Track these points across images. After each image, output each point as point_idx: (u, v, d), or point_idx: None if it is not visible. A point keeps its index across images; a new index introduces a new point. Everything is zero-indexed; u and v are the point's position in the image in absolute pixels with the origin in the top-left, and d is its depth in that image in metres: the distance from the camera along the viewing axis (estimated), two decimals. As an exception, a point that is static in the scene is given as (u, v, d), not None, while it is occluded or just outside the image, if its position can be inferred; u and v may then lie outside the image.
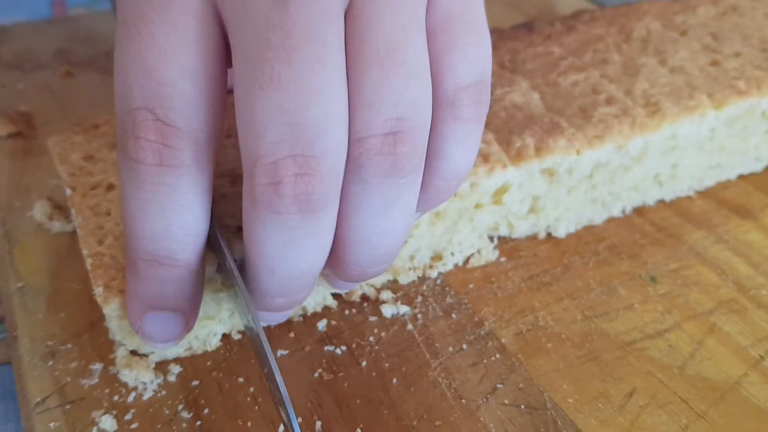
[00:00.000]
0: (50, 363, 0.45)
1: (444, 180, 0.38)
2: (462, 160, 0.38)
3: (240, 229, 0.43)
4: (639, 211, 0.59)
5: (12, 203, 0.58)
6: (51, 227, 0.55)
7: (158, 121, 0.34)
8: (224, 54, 0.35)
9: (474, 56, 0.37)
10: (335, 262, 0.39)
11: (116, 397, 0.43)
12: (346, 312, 0.49)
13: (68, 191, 0.47)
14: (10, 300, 0.50)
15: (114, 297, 0.41)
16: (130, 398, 0.43)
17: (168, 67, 0.33)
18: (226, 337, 0.47)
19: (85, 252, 0.43)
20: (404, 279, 0.51)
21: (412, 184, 0.36)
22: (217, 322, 0.46)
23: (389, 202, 0.36)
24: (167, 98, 0.34)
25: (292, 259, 0.36)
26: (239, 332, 0.47)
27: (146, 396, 0.43)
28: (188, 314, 0.40)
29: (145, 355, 0.45)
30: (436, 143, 0.37)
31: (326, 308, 0.49)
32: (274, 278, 0.37)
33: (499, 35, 0.65)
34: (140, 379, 0.43)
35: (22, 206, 0.58)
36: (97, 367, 0.45)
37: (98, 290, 0.41)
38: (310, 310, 0.49)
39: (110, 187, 0.47)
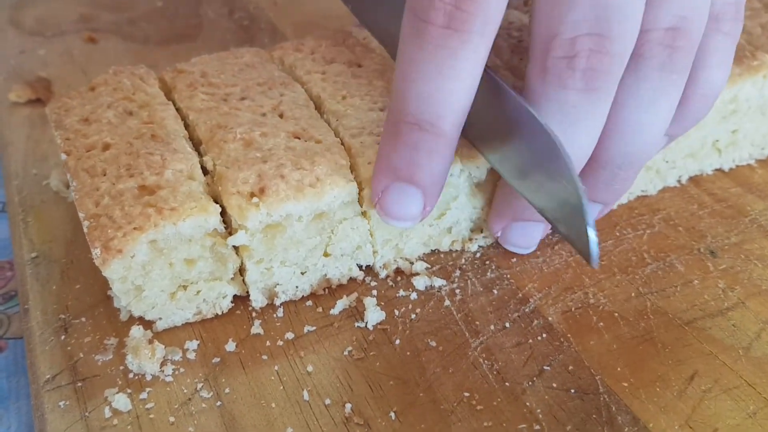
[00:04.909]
0: (62, 337, 0.42)
1: (701, 93, 0.41)
2: (719, 74, 0.42)
3: (252, 194, 0.40)
4: (695, 180, 0.54)
5: (28, 171, 0.56)
6: (68, 195, 0.53)
7: None
8: None
9: None
10: (589, 163, 0.41)
11: (131, 375, 0.40)
12: (376, 285, 0.46)
13: (63, 156, 0.44)
14: (23, 270, 0.47)
15: (113, 258, 0.38)
16: (147, 376, 0.40)
17: None
18: (240, 300, 0.45)
19: (81, 215, 0.40)
20: (444, 244, 0.48)
21: (678, 83, 0.39)
22: (224, 283, 0.43)
23: (656, 96, 0.39)
24: None
25: (567, 139, 0.37)
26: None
27: (163, 374, 0.40)
28: (429, 194, 0.40)
29: (152, 322, 0.43)
30: (699, 54, 0.40)
31: (353, 281, 0.46)
32: None
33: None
34: (143, 368, 0.40)
35: (39, 174, 0.55)
36: (112, 341, 0.42)
37: (96, 252, 0.38)
38: (335, 282, 0.45)
39: (106, 147, 0.44)
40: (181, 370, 0.41)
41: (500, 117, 0.39)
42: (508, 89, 0.39)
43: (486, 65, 0.38)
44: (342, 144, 0.44)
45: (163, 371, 0.40)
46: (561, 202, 0.37)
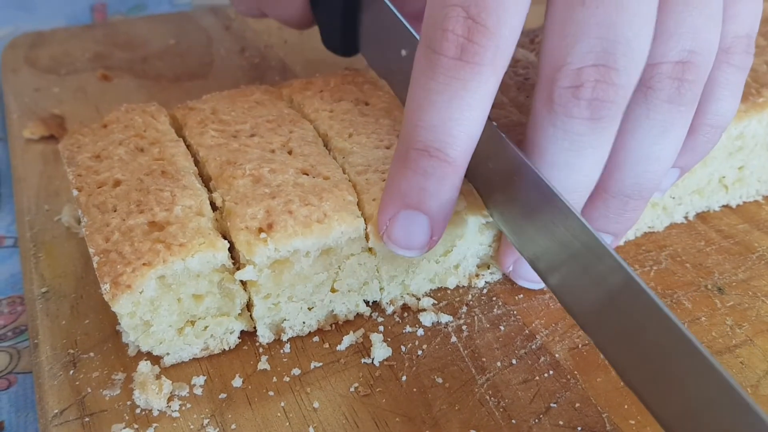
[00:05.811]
0: (71, 372, 0.43)
1: (711, 124, 0.43)
2: (728, 106, 0.43)
3: (260, 230, 0.40)
4: (702, 216, 0.54)
5: (41, 206, 0.56)
6: (79, 231, 0.53)
7: (469, 19, 0.36)
8: None
9: (751, 11, 0.42)
10: (598, 194, 0.42)
11: (138, 410, 0.40)
12: (383, 321, 0.46)
13: (75, 192, 0.45)
14: (34, 305, 0.47)
15: (122, 294, 0.38)
16: (154, 412, 0.40)
17: None
18: (247, 335, 0.45)
19: (91, 251, 0.41)
20: (450, 283, 0.48)
21: (686, 116, 0.40)
22: (232, 319, 0.43)
23: (665, 127, 0.40)
24: (484, 0, 0.36)
25: (572, 167, 0.39)
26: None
27: (170, 409, 0.40)
28: (437, 222, 0.40)
29: (159, 357, 0.43)
30: (708, 86, 0.41)
31: (360, 317, 0.46)
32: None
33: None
34: (150, 403, 0.40)
35: (51, 210, 0.56)
36: (120, 377, 0.42)
37: (105, 287, 0.39)
38: (342, 318, 0.46)
39: (116, 183, 0.45)
40: (188, 405, 0.41)
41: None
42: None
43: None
44: (350, 180, 0.44)
45: (170, 407, 0.40)
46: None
